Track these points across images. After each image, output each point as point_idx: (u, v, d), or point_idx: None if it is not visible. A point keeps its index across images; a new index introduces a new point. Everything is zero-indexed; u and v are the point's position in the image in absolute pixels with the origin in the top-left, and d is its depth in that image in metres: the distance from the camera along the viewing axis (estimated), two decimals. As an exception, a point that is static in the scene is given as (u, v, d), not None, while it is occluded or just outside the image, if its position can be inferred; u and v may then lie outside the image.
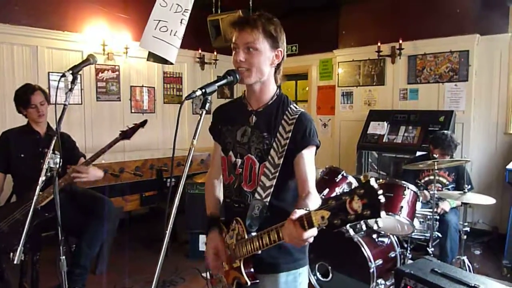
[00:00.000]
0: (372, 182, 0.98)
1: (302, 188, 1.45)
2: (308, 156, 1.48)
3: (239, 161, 1.57)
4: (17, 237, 2.38)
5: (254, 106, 1.58)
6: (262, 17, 1.47)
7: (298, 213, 1.14)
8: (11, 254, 1.84)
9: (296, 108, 1.56)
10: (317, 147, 1.52)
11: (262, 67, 1.48)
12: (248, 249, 1.43)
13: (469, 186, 3.20)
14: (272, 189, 1.46)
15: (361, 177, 1.04)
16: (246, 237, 1.45)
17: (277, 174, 1.47)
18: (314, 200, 1.37)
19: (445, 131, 3.79)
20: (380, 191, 0.97)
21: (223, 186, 1.69)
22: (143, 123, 2.95)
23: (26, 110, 2.92)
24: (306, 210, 1.15)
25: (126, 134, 2.92)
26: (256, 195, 1.47)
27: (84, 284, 2.91)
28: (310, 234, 1.13)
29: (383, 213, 0.97)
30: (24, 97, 2.89)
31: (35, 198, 1.82)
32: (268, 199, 1.46)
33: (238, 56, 1.46)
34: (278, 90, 1.59)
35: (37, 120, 2.94)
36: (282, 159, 1.47)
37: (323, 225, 1.06)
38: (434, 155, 3.53)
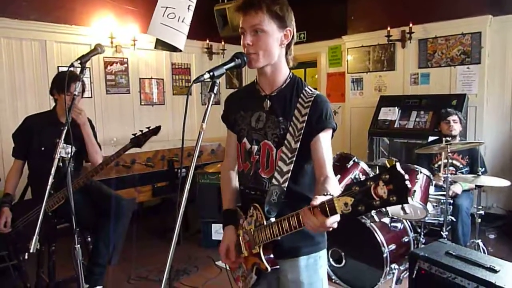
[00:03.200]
0: (398, 167, 0.96)
1: (320, 172, 1.42)
2: (325, 139, 1.45)
3: (255, 147, 1.55)
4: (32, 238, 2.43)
5: (267, 90, 1.56)
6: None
7: (320, 199, 1.12)
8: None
9: (311, 90, 1.53)
10: (334, 130, 1.49)
11: (271, 49, 1.45)
12: (267, 235, 1.41)
13: (483, 169, 3.15)
14: (289, 174, 1.45)
15: (386, 161, 1.02)
16: (265, 223, 1.43)
17: (294, 158, 1.45)
18: (333, 184, 1.34)
19: None
20: (407, 176, 0.94)
21: (238, 174, 1.67)
22: (156, 130, 2.83)
23: (59, 95, 2.77)
24: (327, 195, 1.13)
25: (139, 141, 2.81)
26: (274, 181, 1.46)
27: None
28: (333, 220, 1.10)
29: (410, 199, 0.94)
30: (65, 82, 2.71)
31: (45, 197, 1.81)
32: (286, 184, 1.45)
33: (245, 40, 1.43)
34: (291, 73, 1.56)
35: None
36: (298, 143, 1.44)
37: (347, 212, 1.04)
38: (445, 133, 3.56)
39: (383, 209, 3.15)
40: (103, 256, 2.90)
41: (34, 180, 2.91)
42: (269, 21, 1.42)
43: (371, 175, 3.37)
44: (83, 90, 2.85)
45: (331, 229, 1.15)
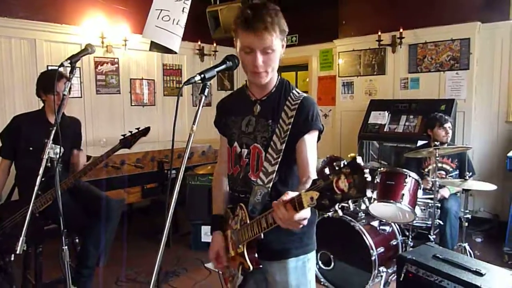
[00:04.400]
0: (358, 160, 0.96)
1: (303, 172, 1.44)
2: (309, 140, 1.46)
3: (245, 151, 1.57)
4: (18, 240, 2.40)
5: (258, 95, 1.57)
6: (272, 13, 1.38)
7: (290, 195, 1.14)
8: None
9: (298, 93, 1.54)
10: (320, 132, 1.50)
11: (277, 63, 1.47)
12: (249, 233, 1.44)
13: (470, 174, 3.20)
14: (274, 175, 1.46)
15: (349, 156, 1.02)
16: (248, 222, 1.46)
17: (279, 159, 1.46)
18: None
19: None
20: (367, 170, 0.94)
21: (228, 177, 1.68)
22: (145, 131, 2.79)
23: (46, 95, 2.74)
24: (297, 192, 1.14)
25: (127, 142, 2.77)
26: (258, 181, 1.47)
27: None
28: (302, 215, 1.12)
29: (369, 192, 0.93)
30: (49, 81, 2.65)
31: (33, 197, 1.79)
32: (270, 184, 1.46)
33: (257, 61, 1.40)
34: (279, 77, 1.58)
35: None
36: (284, 144, 1.45)
37: (312, 206, 1.05)
38: (435, 138, 3.59)
39: (362, 203, 3.18)
40: (92, 258, 2.87)
41: (22, 181, 2.87)
42: (276, 39, 1.41)
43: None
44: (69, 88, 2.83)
45: (301, 226, 1.16)
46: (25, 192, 2.81)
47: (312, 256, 1.61)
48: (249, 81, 1.59)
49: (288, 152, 1.47)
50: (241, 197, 1.58)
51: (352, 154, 0.97)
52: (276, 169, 1.46)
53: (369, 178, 0.93)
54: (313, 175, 1.41)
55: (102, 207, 2.89)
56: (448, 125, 3.68)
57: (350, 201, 1.00)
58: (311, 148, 1.46)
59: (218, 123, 1.71)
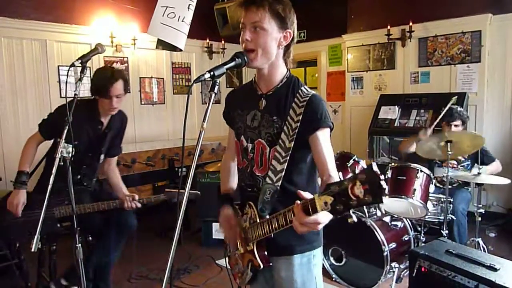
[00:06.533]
0: (374, 167, 0.97)
1: (322, 171, 1.44)
2: (322, 137, 1.45)
3: (250, 145, 1.58)
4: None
5: (264, 89, 1.57)
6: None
7: (304, 196, 1.15)
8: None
9: (307, 90, 1.53)
10: (331, 129, 1.50)
11: (268, 47, 1.45)
12: (260, 232, 1.45)
13: (482, 168, 3.15)
14: (283, 173, 1.46)
15: (364, 162, 1.03)
16: (258, 221, 1.47)
17: (288, 158, 1.46)
18: None
19: None
20: (382, 176, 0.96)
21: (238, 170, 1.70)
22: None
23: (99, 97, 2.60)
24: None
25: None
26: (267, 179, 1.47)
27: None
28: (315, 219, 1.12)
29: (385, 199, 0.95)
30: (103, 86, 2.52)
31: (47, 195, 1.79)
32: (279, 183, 1.46)
33: (244, 35, 1.45)
34: (288, 73, 1.57)
35: (107, 112, 2.67)
36: (293, 142, 1.45)
37: (326, 210, 1.06)
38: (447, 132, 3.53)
39: (378, 210, 3.17)
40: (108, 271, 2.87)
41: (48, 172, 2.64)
42: (269, 19, 1.42)
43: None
44: (125, 89, 2.66)
45: (316, 229, 1.16)
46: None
47: (318, 253, 1.61)
48: (256, 75, 1.59)
49: (296, 150, 1.46)
50: (248, 191, 1.60)
51: (369, 162, 0.99)
52: (285, 167, 1.46)
53: (385, 186, 0.95)
54: (333, 173, 1.41)
55: (119, 220, 2.76)
56: (456, 122, 3.55)
57: (365, 207, 1.02)
58: (326, 145, 1.45)
59: (226, 115, 1.74)
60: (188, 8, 2.34)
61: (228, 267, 1.76)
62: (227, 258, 1.78)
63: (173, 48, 2.42)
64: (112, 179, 2.93)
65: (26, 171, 2.55)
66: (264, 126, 1.53)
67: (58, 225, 2.65)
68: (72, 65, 1.88)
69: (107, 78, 2.51)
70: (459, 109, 3.67)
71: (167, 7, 2.29)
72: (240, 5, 1.46)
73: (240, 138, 1.62)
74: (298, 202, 1.15)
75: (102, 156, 2.80)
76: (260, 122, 1.55)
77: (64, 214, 2.58)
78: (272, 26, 1.44)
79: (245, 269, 1.57)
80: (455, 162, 3.66)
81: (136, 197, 2.71)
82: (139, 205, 2.69)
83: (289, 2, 1.49)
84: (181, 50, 2.44)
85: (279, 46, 1.49)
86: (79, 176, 2.70)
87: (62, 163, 1.89)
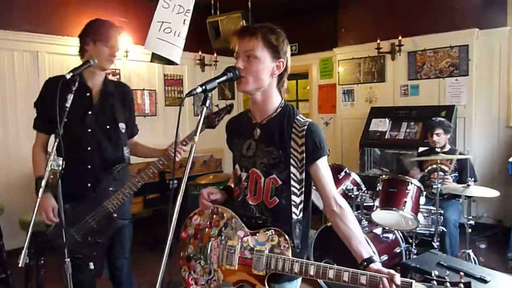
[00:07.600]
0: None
1: (328, 198, 1.49)
2: (323, 166, 1.50)
3: (244, 175, 1.58)
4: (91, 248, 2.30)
5: (258, 118, 1.58)
6: (264, 27, 1.48)
7: (397, 277, 1.27)
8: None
9: (303, 119, 1.55)
10: (327, 156, 1.54)
11: (260, 75, 1.47)
12: (290, 268, 1.41)
13: (473, 179, 3.19)
14: (302, 205, 1.51)
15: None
16: (290, 255, 1.43)
17: (303, 189, 1.51)
18: (351, 219, 1.48)
19: None
20: None
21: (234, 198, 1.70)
22: (230, 108, 2.40)
23: (95, 44, 2.33)
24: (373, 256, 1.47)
25: (211, 121, 2.40)
26: (293, 216, 1.49)
27: None
28: None
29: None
30: (104, 31, 2.34)
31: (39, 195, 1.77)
32: (302, 214, 1.51)
33: (237, 64, 1.47)
34: (282, 102, 1.58)
35: (104, 65, 2.38)
36: (303, 173, 1.49)
37: None
38: (435, 142, 3.65)
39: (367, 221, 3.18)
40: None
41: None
42: (262, 48, 1.46)
43: (362, 186, 3.39)
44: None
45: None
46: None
47: (298, 280, 1.62)
48: (250, 103, 1.61)
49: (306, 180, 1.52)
50: (243, 221, 1.56)
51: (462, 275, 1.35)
52: (302, 198, 1.51)
53: None
54: (338, 198, 1.48)
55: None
56: (435, 131, 3.69)
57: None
58: (327, 172, 1.51)
59: (229, 143, 1.74)
60: (184, 23, 2.37)
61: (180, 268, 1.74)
62: (181, 261, 1.76)
63: (168, 62, 2.44)
64: (143, 151, 2.80)
65: (42, 174, 2.18)
66: (259, 156, 1.54)
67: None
68: (64, 77, 1.86)
69: (111, 26, 2.40)
70: (439, 119, 3.79)
71: (163, 22, 2.32)
72: (234, 34, 1.50)
73: (235, 166, 1.63)
74: (396, 281, 1.27)
75: (119, 127, 2.48)
76: (255, 152, 1.56)
77: (117, 205, 2.40)
78: (265, 55, 1.46)
79: (224, 284, 1.53)
80: (442, 173, 3.70)
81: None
82: (185, 148, 2.48)
83: (282, 33, 1.52)
84: (176, 64, 2.46)
85: (272, 75, 1.51)
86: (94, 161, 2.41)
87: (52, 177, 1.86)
